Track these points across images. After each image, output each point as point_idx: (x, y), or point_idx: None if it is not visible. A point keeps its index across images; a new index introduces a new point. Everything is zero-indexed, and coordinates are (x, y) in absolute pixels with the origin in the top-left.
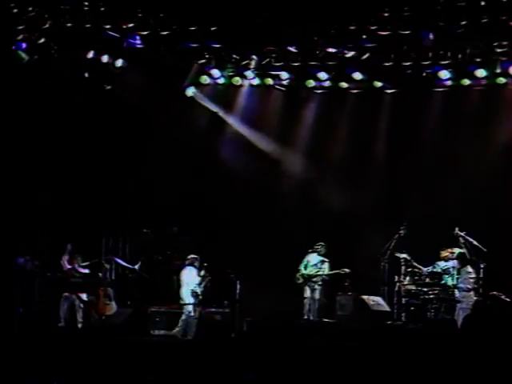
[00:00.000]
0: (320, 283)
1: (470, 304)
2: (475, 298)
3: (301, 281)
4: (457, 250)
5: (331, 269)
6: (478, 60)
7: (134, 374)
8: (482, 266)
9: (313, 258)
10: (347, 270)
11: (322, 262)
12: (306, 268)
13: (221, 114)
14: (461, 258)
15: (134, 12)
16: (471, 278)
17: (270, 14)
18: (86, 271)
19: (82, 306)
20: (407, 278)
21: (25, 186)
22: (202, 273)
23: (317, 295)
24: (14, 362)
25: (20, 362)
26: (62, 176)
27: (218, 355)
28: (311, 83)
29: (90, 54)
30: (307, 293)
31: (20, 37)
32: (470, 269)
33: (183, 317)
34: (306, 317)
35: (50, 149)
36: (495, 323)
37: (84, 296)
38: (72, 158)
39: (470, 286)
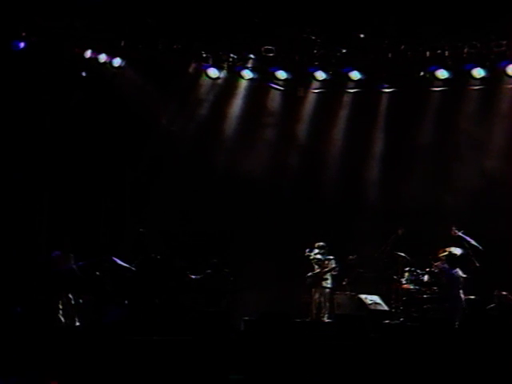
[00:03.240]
0: (329, 282)
1: (462, 304)
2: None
3: (311, 278)
4: (454, 250)
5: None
6: (476, 59)
7: (133, 373)
8: (478, 265)
9: (318, 257)
10: (352, 257)
11: (327, 259)
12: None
13: None
14: (449, 259)
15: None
16: (461, 278)
17: (268, 13)
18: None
19: (79, 305)
20: (405, 277)
21: (23, 184)
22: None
23: (327, 295)
24: (13, 362)
25: (18, 361)
26: (60, 174)
27: (216, 355)
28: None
29: (88, 54)
30: (316, 295)
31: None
32: (459, 270)
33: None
34: (309, 318)
35: (48, 148)
36: (492, 322)
37: (82, 295)
38: (70, 157)
39: (460, 286)
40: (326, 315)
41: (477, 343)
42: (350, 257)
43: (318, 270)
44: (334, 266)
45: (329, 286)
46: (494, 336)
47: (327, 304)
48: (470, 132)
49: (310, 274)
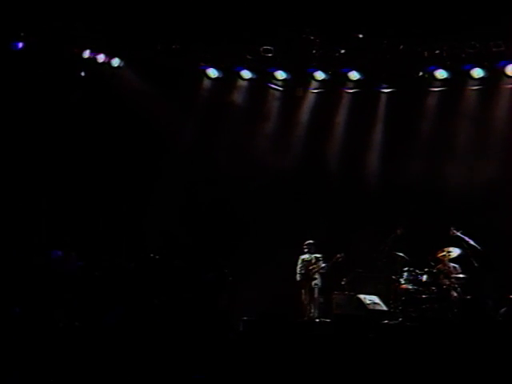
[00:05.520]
0: (318, 282)
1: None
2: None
3: (299, 278)
4: (453, 250)
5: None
6: (474, 59)
7: (132, 373)
8: (476, 265)
9: (306, 257)
10: (341, 255)
11: (316, 258)
12: (302, 268)
13: None
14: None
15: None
16: (459, 277)
17: (267, 13)
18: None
19: (78, 305)
20: (404, 277)
21: (21, 184)
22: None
23: (315, 294)
24: (10, 363)
25: (16, 362)
26: (59, 174)
27: (217, 354)
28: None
29: (86, 54)
30: (306, 296)
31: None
32: (458, 269)
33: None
34: (305, 317)
35: (47, 147)
36: (492, 323)
37: (81, 295)
38: (69, 157)
39: (457, 286)
40: (317, 314)
41: (476, 343)
42: (338, 255)
43: (305, 270)
44: (322, 265)
45: (318, 285)
46: (493, 337)
47: (317, 303)
48: (469, 132)
49: (298, 274)
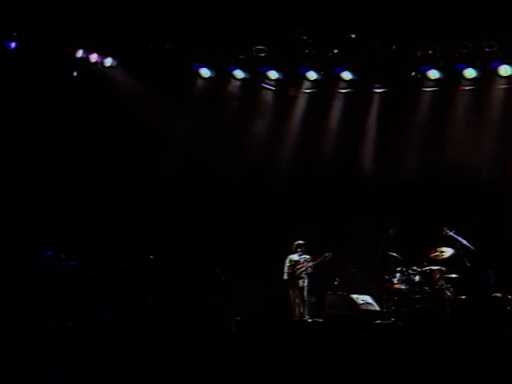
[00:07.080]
0: (306, 281)
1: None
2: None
3: (286, 277)
4: (446, 250)
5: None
6: (467, 59)
7: (126, 373)
8: (469, 265)
9: (294, 257)
10: (328, 254)
11: (305, 259)
12: (289, 267)
13: None
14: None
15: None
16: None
17: (259, 13)
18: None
19: (73, 305)
20: (397, 277)
21: (15, 182)
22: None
23: (304, 294)
24: (6, 363)
25: (12, 362)
26: (52, 174)
27: (209, 354)
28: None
29: (79, 53)
30: (294, 296)
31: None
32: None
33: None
34: (295, 318)
35: (40, 147)
36: (485, 323)
37: (74, 295)
38: (62, 156)
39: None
40: (306, 314)
41: (468, 343)
42: (326, 254)
43: (292, 270)
44: (310, 265)
45: (306, 285)
46: (485, 336)
47: (307, 303)
48: (462, 132)
49: (285, 273)
